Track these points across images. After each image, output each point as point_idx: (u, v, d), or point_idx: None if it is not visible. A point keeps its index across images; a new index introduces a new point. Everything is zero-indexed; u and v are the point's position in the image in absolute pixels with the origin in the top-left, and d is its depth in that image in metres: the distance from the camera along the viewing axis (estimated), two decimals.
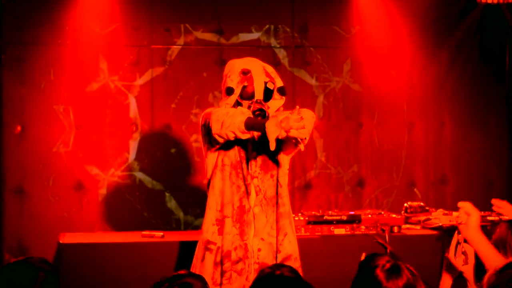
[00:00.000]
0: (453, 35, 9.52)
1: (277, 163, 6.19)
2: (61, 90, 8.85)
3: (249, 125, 5.86)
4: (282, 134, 5.66)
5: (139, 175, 9.09)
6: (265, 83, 6.06)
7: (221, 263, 6.07)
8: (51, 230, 8.54)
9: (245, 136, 5.92)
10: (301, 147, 5.85)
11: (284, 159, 6.23)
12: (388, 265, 4.06)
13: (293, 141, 5.81)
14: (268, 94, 6.08)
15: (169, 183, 9.13)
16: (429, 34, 9.53)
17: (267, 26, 9.24)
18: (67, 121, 8.85)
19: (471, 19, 9.43)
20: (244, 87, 6.09)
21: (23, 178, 8.78)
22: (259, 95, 6.03)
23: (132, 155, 9.02)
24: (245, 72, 6.13)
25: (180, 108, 9.12)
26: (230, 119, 5.96)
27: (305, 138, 5.85)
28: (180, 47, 9.13)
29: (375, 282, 4.07)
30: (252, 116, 6.00)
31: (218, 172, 6.20)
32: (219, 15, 9.14)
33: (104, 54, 9.00)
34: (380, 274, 4.08)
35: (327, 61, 9.41)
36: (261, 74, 6.13)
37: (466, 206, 4.74)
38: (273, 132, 5.71)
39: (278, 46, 9.29)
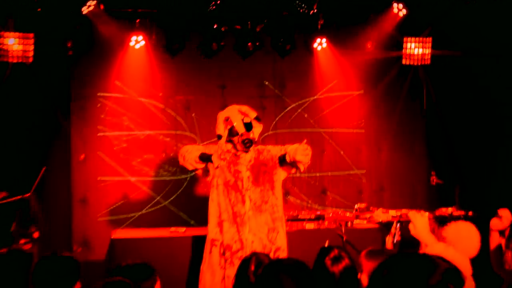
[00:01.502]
0: (387, 85, 9.87)
1: (268, 180, 6.62)
2: (111, 130, 9.25)
3: (203, 158, 6.49)
4: (289, 159, 6.32)
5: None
6: (242, 120, 6.47)
7: (224, 253, 6.51)
8: (106, 228, 8.97)
9: (200, 166, 6.58)
10: (302, 168, 6.49)
11: (281, 177, 6.71)
12: (332, 255, 4.56)
13: (298, 164, 6.40)
14: (248, 125, 6.48)
15: None
16: (371, 85, 9.90)
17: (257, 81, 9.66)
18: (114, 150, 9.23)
19: (399, 75, 9.80)
20: (230, 129, 6.49)
21: (85, 192, 9.12)
22: (241, 130, 6.43)
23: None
24: (226, 119, 6.53)
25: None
26: (189, 155, 6.59)
27: (308, 162, 6.45)
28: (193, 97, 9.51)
29: (325, 268, 4.52)
30: (204, 152, 6.54)
31: (214, 189, 6.63)
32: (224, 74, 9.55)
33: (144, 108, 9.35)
34: (328, 261, 4.55)
35: (298, 107, 9.81)
36: (237, 115, 6.51)
37: (410, 215, 4.99)
38: (216, 161, 6.41)
39: (265, 96, 9.70)
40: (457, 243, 4.66)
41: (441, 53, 9.41)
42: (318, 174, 9.76)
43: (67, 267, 4.34)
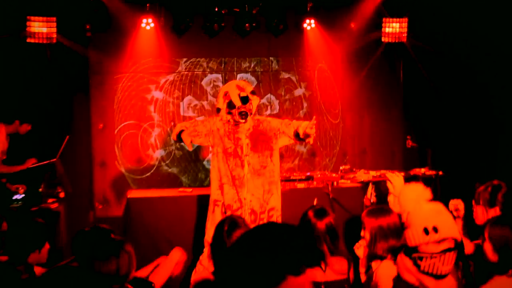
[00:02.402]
0: (368, 60, 9.79)
1: (266, 148, 6.58)
2: (126, 102, 9.30)
3: (179, 137, 6.51)
4: (302, 135, 6.36)
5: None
6: (238, 94, 6.38)
7: (225, 212, 6.48)
8: (123, 188, 9.01)
9: (180, 142, 6.67)
10: (311, 140, 6.47)
11: (279, 145, 6.70)
12: (317, 207, 4.77)
13: (309, 138, 6.38)
14: (244, 99, 6.39)
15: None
16: (354, 58, 9.83)
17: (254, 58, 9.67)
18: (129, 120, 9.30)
19: (379, 51, 9.69)
20: (228, 102, 6.41)
21: (104, 156, 9.20)
22: (237, 103, 6.36)
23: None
24: (225, 94, 6.45)
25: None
26: (173, 134, 6.70)
27: (314, 134, 6.41)
28: (200, 72, 9.54)
29: (307, 219, 4.66)
30: (183, 129, 6.51)
31: (215, 157, 6.63)
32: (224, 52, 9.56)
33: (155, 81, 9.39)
34: (310, 213, 4.70)
35: (290, 80, 9.82)
36: (234, 90, 6.41)
37: (388, 176, 4.96)
38: (186, 139, 6.40)
39: (262, 70, 9.72)
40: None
41: (415, 42, 9.44)
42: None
43: (35, 230, 4.42)
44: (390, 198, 5.10)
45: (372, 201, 5.31)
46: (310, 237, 2.87)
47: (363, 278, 4.65)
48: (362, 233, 4.56)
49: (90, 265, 3.50)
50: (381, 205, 4.86)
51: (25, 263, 4.29)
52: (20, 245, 4.30)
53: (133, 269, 3.66)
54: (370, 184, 5.42)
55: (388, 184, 5.01)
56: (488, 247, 3.92)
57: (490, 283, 3.90)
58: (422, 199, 4.18)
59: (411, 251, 3.72)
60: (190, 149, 6.71)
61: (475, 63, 9.22)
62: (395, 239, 4.35)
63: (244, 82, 6.80)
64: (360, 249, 4.74)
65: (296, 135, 6.52)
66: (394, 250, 4.28)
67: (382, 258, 4.34)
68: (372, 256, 4.44)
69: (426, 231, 3.64)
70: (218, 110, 6.59)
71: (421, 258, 3.64)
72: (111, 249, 3.54)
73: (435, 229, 3.63)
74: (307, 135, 6.38)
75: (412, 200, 4.21)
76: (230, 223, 4.58)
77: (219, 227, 4.62)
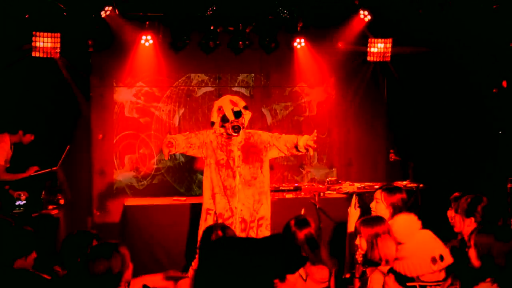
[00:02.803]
0: (355, 78, 9.87)
1: (256, 160, 6.58)
2: (125, 114, 9.30)
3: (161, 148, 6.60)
4: (303, 148, 6.47)
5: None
6: (232, 109, 6.41)
7: (217, 220, 6.44)
8: (121, 196, 9.02)
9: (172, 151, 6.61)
10: (311, 152, 6.60)
11: (269, 157, 6.73)
12: (300, 218, 4.73)
13: (309, 149, 6.51)
14: (237, 113, 6.41)
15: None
16: (341, 77, 9.88)
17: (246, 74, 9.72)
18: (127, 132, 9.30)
19: (365, 69, 9.79)
20: (222, 116, 6.43)
21: (104, 165, 9.19)
22: (231, 117, 6.38)
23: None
24: (219, 108, 6.47)
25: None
26: (163, 143, 6.62)
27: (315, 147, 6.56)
28: (196, 86, 9.56)
29: (289, 228, 4.66)
30: (168, 142, 6.46)
31: (208, 168, 6.61)
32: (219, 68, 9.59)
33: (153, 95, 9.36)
34: (292, 221, 4.70)
35: (281, 95, 9.87)
36: (228, 105, 6.45)
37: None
38: (164, 150, 6.43)
39: (254, 85, 9.77)
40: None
41: (400, 50, 9.39)
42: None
43: (23, 238, 4.36)
44: (372, 205, 5.20)
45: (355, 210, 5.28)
46: (291, 244, 2.71)
47: (356, 284, 4.63)
48: (357, 242, 4.59)
49: (83, 266, 3.48)
50: (374, 215, 4.88)
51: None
52: (7, 250, 4.25)
53: (127, 270, 3.61)
54: (354, 196, 5.37)
55: (372, 204, 5.24)
56: (472, 254, 3.88)
57: None
58: (415, 229, 4.18)
59: (405, 280, 3.78)
60: (166, 158, 6.64)
61: (454, 81, 9.31)
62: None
63: (237, 97, 6.77)
64: (357, 257, 4.69)
65: (295, 147, 6.57)
66: None
67: (377, 264, 4.37)
68: (367, 262, 4.47)
69: (434, 260, 3.72)
70: (212, 123, 6.59)
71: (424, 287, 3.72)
72: (101, 251, 3.51)
73: (441, 258, 3.74)
74: (307, 148, 6.48)
75: (406, 231, 4.21)
76: (221, 228, 4.59)
77: (207, 231, 4.60)
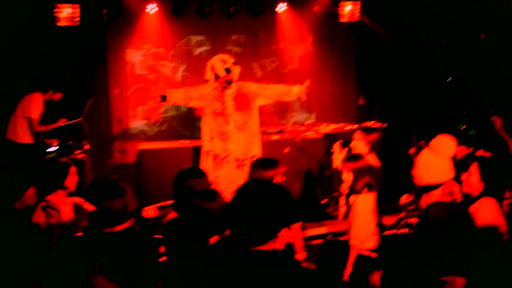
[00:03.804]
0: (329, 36, 9.92)
1: (247, 107, 6.61)
2: (137, 71, 9.32)
3: (163, 98, 6.56)
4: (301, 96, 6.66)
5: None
6: (222, 66, 6.41)
7: (215, 159, 6.57)
8: (136, 140, 9.11)
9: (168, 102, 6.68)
10: (303, 97, 6.70)
11: (258, 104, 6.75)
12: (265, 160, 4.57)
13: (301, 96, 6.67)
14: (228, 69, 6.40)
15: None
16: (318, 35, 9.87)
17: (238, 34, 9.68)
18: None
19: (337, 28, 9.86)
20: (215, 74, 6.44)
21: (121, 115, 9.27)
22: (222, 73, 6.40)
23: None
24: (212, 66, 6.48)
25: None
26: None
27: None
28: (197, 46, 9.52)
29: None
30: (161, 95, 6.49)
31: (205, 116, 6.63)
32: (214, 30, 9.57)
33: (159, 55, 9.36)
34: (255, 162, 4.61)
35: (267, 52, 9.81)
36: (219, 63, 6.44)
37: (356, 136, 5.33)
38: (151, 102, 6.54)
39: (244, 44, 9.71)
40: (440, 149, 4.67)
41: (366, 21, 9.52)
42: None
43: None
44: (353, 144, 5.33)
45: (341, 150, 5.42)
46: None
47: (343, 210, 4.86)
48: (344, 176, 4.74)
49: (100, 203, 3.49)
50: (355, 153, 5.01)
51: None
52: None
53: (134, 207, 3.56)
54: (338, 142, 5.52)
55: (352, 143, 5.35)
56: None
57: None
58: None
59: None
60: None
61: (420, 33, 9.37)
62: (371, 176, 4.64)
63: (226, 55, 6.75)
64: (344, 189, 4.86)
65: (287, 94, 6.75)
66: (370, 185, 4.65)
67: (359, 192, 4.62)
68: (352, 191, 4.69)
69: None
70: (206, 81, 6.64)
71: None
72: (115, 191, 3.50)
73: None
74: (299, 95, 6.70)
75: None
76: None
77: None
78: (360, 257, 4.58)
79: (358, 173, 4.65)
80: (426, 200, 4.26)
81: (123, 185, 3.52)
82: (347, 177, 4.71)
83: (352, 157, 4.81)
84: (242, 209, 2.51)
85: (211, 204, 3.50)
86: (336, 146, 5.35)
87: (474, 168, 4.02)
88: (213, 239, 3.39)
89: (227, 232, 3.20)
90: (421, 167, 3.98)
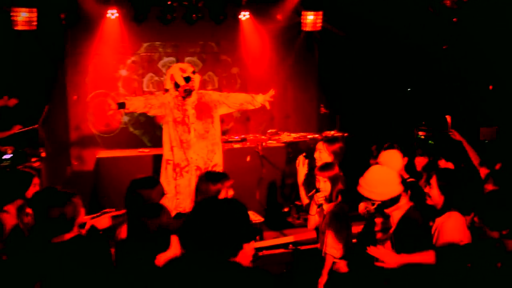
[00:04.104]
0: (291, 45, 9.79)
1: (208, 116, 6.53)
2: (96, 78, 9.03)
3: (120, 105, 6.34)
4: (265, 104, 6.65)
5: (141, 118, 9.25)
6: (181, 76, 6.33)
7: (175, 169, 6.47)
8: (94, 148, 8.85)
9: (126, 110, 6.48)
10: (267, 106, 6.72)
11: (219, 113, 6.67)
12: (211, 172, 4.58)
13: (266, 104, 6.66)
14: (187, 79, 6.32)
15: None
16: (280, 44, 9.75)
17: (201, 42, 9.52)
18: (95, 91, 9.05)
19: (300, 37, 9.71)
20: (175, 83, 6.37)
21: (79, 121, 8.97)
22: (181, 82, 6.33)
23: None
24: (171, 76, 6.42)
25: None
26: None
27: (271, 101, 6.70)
28: (158, 53, 9.36)
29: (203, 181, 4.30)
30: (120, 102, 6.31)
31: (166, 124, 6.53)
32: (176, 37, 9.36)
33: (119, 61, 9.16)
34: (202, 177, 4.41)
35: (229, 59, 9.71)
36: (178, 72, 6.37)
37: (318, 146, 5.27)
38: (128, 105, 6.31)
39: (205, 52, 9.56)
40: (388, 163, 4.72)
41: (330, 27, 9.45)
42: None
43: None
44: (316, 155, 5.29)
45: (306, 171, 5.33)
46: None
47: (313, 219, 4.74)
48: (320, 185, 4.65)
49: (44, 212, 3.51)
50: (328, 162, 4.94)
51: None
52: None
53: (79, 216, 3.62)
54: (302, 155, 5.43)
55: (316, 154, 5.29)
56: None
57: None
58: None
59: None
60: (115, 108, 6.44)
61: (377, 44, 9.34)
62: (343, 184, 4.60)
63: (186, 64, 6.64)
64: (320, 198, 4.76)
65: (250, 103, 6.74)
66: (343, 193, 4.60)
67: (334, 201, 4.57)
68: (328, 200, 4.61)
69: None
70: (166, 90, 6.52)
71: None
72: (56, 200, 3.53)
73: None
74: (263, 103, 6.71)
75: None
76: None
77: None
78: (334, 265, 4.51)
79: (333, 181, 4.58)
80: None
81: (69, 193, 3.57)
82: (324, 186, 4.64)
83: (326, 165, 4.73)
84: (201, 228, 2.53)
85: (156, 220, 3.45)
86: (300, 159, 5.23)
87: (433, 181, 3.99)
88: (161, 260, 3.37)
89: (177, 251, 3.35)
90: (371, 181, 3.84)
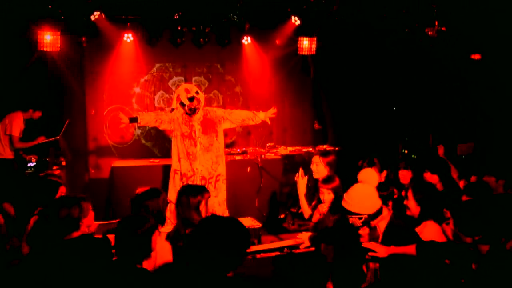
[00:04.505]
0: (289, 66, 9.83)
1: (213, 131, 6.58)
2: (113, 94, 9.05)
3: (132, 120, 6.49)
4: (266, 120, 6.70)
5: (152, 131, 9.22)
6: (186, 96, 6.41)
7: (181, 179, 6.52)
8: (110, 157, 8.88)
9: (138, 124, 6.58)
10: (268, 121, 6.78)
11: (223, 128, 6.73)
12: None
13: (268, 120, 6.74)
14: (191, 99, 6.39)
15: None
16: (279, 66, 9.77)
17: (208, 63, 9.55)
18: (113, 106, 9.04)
19: (296, 59, 9.77)
20: (180, 102, 6.45)
21: (96, 133, 8.97)
22: (186, 102, 6.40)
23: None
24: (177, 96, 6.50)
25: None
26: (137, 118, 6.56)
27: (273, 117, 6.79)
28: (169, 73, 9.33)
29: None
30: (133, 117, 6.46)
31: (174, 138, 6.61)
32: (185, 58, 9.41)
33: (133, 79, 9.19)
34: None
35: (232, 79, 9.72)
36: (183, 93, 6.45)
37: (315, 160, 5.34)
38: (124, 119, 6.42)
39: (211, 72, 9.56)
40: (367, 180, 4.84)
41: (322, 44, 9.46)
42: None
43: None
44: (313, 168, 5.35)
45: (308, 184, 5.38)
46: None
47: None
48: (324, 197, 4.71)
49: (56, 213, 3.69)
50: (329, 174, 4.98)
51: None
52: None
53: (86, 217, 3.78)
54: (300, 168, 5.48)
55: (312, 167, 5.34)
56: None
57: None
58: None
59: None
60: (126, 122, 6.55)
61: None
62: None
63: (190, 85, 6.68)
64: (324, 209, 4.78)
65: (252, 119, 6.78)
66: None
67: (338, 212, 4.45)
68: (334, 210, 4.58)
69: None
70: (172, 110, 6.59)
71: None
72: (65, 203, 3.74)
73: None
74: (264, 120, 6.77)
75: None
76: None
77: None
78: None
79: (336, 192, 4.62)
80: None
81: (79, 197, 3.79)
82: (328, 198, 4.68)
83: (329, 178, 4.79)
84: (202, 244, 2.65)
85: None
86: (300, 173, 5.30)
87: (410, 193, 4.13)
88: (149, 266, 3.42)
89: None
90: (357, 197, 3.90)
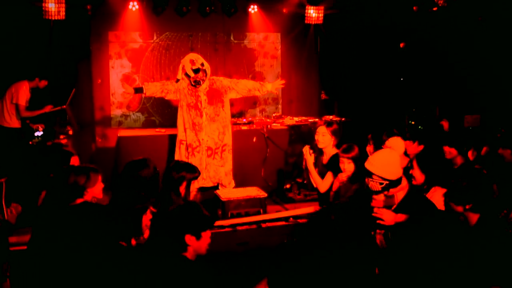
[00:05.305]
0: (295, 36, 9.73)
1: (219, 101, 6.54)
2: (118, 63, 9.02)
3: (136, 90, 6.52)
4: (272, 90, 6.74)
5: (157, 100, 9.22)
6: (191, 68, 6.33)
7: (187, 149, 6.52)
8: (115, 127, 8.97)
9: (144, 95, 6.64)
10: (276, 93, 6.77)
11: (228, 98, 6.66)
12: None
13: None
14: (196, 70, 6.32)
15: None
16: (285, 35, 9.70)
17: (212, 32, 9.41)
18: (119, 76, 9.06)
19: (303, 29, 9.65)
20: (185, 73, 6.38)
21: (102, 102, 8.97)
22: (191, 74, 6.33)
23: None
24: (182, 67, 6.42)
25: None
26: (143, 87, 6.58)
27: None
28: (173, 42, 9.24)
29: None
30: (139, 87, 6.50)
31: (180, 108, 6.57)
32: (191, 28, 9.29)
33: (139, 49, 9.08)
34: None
35: (239, 49, 9.61)
36: (188, 64, 6.36)
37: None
38: (128, 89, 6.49)
39: (217, 42, 9.47)
40: (395, 148, 4.87)
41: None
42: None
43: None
44: (320, 138, 5.37)
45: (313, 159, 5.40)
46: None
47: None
48: (344, 166, 4.79)
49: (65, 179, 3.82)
50: (348, 144, 4.98)
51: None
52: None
53: (92, 187, 3.88)
54: (307, 146, 5.50)
55: (318, 137, 5.37)
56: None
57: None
58: None
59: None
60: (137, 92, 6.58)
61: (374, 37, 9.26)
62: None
63: (196, 55, 6.58)
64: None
65: (258, 90, 6.72)
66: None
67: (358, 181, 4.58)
68: (354, 179, 4.68)
69: None
70: (177, 80, 6.53)
71: None
72: (74, 170, 3.88)
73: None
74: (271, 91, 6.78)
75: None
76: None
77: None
78: None
79: (356, 161, 4.68)
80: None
81: (89, 167, 3.92)
82: (348, 167, 4.75)
83: (348, 147, 4.83)
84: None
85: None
86: (306, 149, 5.32)
87: (415, 163, 4.18)
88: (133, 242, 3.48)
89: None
90: (382, 161, 3.88)
